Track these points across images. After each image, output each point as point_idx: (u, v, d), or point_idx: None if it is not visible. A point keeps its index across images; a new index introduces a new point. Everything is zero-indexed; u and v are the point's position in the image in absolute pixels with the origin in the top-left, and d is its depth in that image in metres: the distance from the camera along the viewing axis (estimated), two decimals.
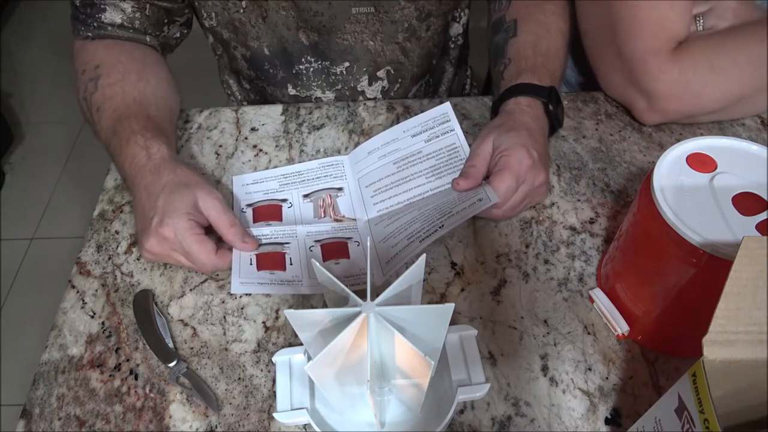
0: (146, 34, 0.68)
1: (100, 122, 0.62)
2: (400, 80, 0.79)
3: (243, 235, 0.56)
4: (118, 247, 0.62)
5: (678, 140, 0.53)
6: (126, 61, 0.65)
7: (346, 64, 0.75)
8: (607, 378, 0.50)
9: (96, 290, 0.58)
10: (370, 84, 0.78)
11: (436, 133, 0.65)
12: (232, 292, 0.56)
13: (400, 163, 0.64)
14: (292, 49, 0.73)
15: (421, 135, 0.66)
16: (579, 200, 0.63)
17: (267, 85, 0.79)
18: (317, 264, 0.42)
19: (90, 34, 0.66)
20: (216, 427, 0.49)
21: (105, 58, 0.65)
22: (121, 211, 0.65)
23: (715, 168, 0.46)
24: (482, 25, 0.80)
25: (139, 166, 0.57)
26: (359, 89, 0.79)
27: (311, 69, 0.76)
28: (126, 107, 0.61)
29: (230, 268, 0.56)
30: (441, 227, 0.55)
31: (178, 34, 0.72)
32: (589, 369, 0.51)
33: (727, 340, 0.32)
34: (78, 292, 0.58)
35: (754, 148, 0.46)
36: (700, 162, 0.46)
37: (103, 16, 0.65)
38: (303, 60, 0.75)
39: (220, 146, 0.70)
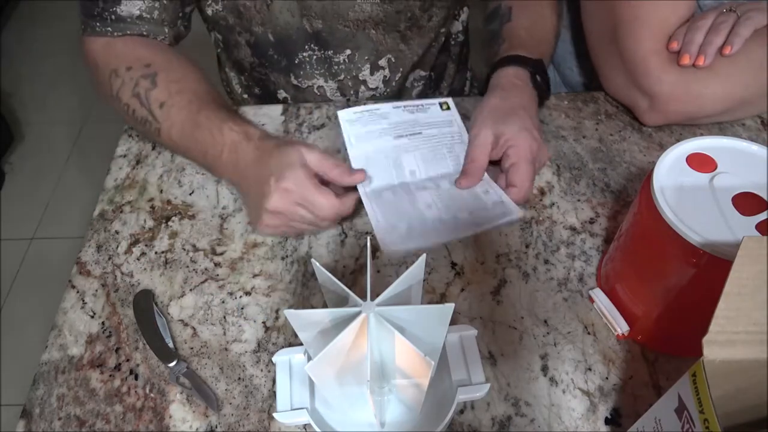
0: (164, 25, 0.67)
1: (169, 116, 0.62)
2: (401, 69, 0.80)
3: (349, 171, 0.58)
4: (118, 247, 0.62)
5: (678, 140, 0.53)
6: (176, 61, 0.66)
7: (348, 52, 0.76)
8: (607, 378, 0.50)
9: (96, 290, 0.58)
10: (371, 73, 0.79)
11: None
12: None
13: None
14: (296, 36, 0.73)
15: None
16: (579, 200, 0.63)
17: (271, 72, 0.79)
18: (317, 264, 0.42)
19: (110, 28, 0.65)
20: (216, 427, 0.49)
21: (153, 57, 0.65)
22: (121, 211, 0.65)
23: (715, 168, 0.46)
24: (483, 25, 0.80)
25: (242, 150, 0.58)
26: (361, 78, 0.79)
27: (314, 57, 0.76)
28: (205, 100, 0.62)
29: (351, 214, 0.59)
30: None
31: (183, 29, 0.72)
32: (589, 369, 0.51)
33: (727, 340, 0.32)
34: (78, 292, 0.58)
35: (754, 148, 0.46)
36: (700, 162, 0.46)
37: (119, 9, 0.64)
38: (306, 48, 0.75)
39: None
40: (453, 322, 0.43)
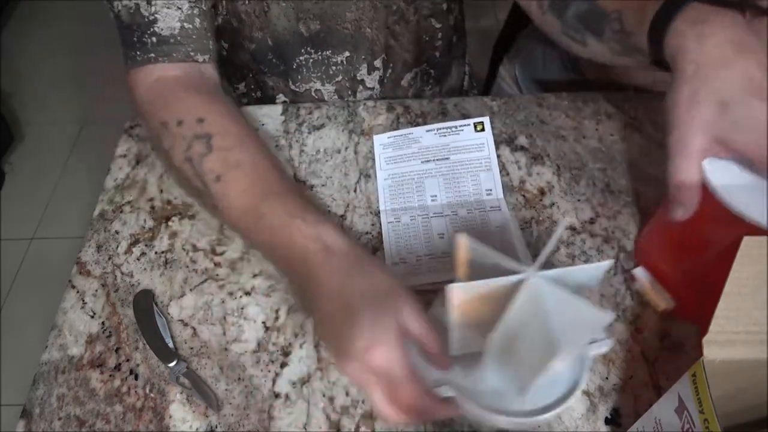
0: (208, 38, 0.61)
1: (226, 196, 0.53)
2: (392, 65, 0.80)
3: (442, 354, 0.44)
4: (118, 247, 0.62)
5: None
6: (228, 115, 0.57)
7: (347, 53, 0.76)
8: (607, 378, 0.50)
9: (96, 290, 0.58)
10: (369, 73, 0.79)
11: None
12: None
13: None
14: (293, 40, 0.74)
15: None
16: (579, 200, 0.63)
17: (270, 78, 0.79)
18: (462, 237, 0.41)
19: (152, 54, 0.58)
20: (216, 427, 0.49)
21: (205, 109, 0.56)
22: (121, 211, 0.65)
23: None
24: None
25: (316, 263, 0.47)
26: (359, 78, 0.79)
27: (310, 60, 0.76)
28: (267, 181, 0.53)
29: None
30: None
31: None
32: (589, 369, 0.51)
33: (727, 340, 0.32)
34: (78, 292, 0.58)
35: None
36: None
37: (157, 27, 0.57)
38: (302, 51, 0.75)
39: None
40: None
